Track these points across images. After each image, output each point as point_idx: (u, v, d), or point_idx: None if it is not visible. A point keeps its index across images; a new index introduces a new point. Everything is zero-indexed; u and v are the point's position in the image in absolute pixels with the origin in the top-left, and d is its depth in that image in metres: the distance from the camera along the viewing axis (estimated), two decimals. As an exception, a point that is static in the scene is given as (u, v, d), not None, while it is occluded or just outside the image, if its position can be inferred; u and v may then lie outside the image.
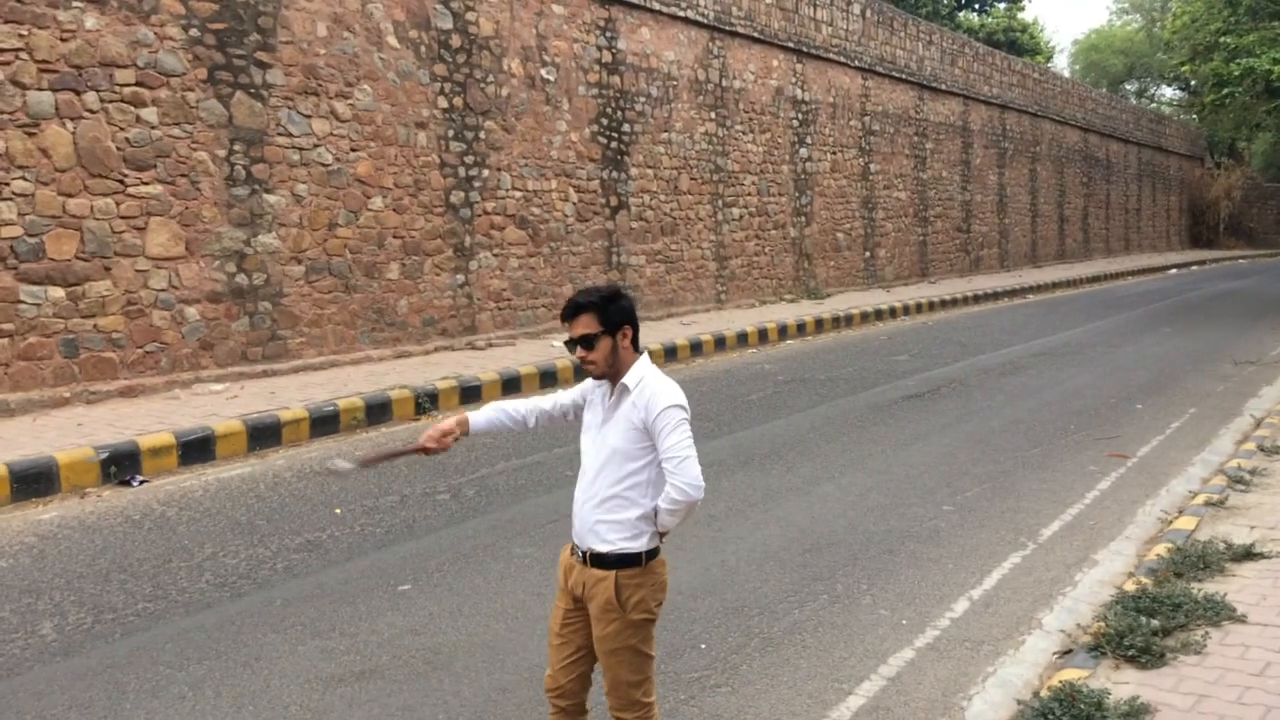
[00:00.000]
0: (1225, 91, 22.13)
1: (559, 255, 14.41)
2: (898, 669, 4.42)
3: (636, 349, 3.24)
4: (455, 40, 12.69)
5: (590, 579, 3.15)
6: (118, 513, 6.66)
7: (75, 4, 8.98)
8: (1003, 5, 44.29)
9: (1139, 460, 7.99)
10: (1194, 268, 36.40)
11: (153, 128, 9.56)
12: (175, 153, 9.74)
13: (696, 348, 13.80)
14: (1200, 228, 50.50)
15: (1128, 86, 61.28)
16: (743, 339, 14.78)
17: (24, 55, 8.67)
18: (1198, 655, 4.24)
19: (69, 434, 7.86)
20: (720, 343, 14.30)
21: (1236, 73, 20.86)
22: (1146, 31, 58.19)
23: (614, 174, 15.44)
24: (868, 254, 23.04)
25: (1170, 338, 15.59)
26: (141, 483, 7.37)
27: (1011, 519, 6.50)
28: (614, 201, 15.45)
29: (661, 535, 3.23)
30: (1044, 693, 4.00)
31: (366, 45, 11.59)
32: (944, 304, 20.72)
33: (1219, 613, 4.58)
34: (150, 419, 8.42)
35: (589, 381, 3.35)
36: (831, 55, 21.26)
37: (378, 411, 9.34)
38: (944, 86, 26.34)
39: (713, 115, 17.75)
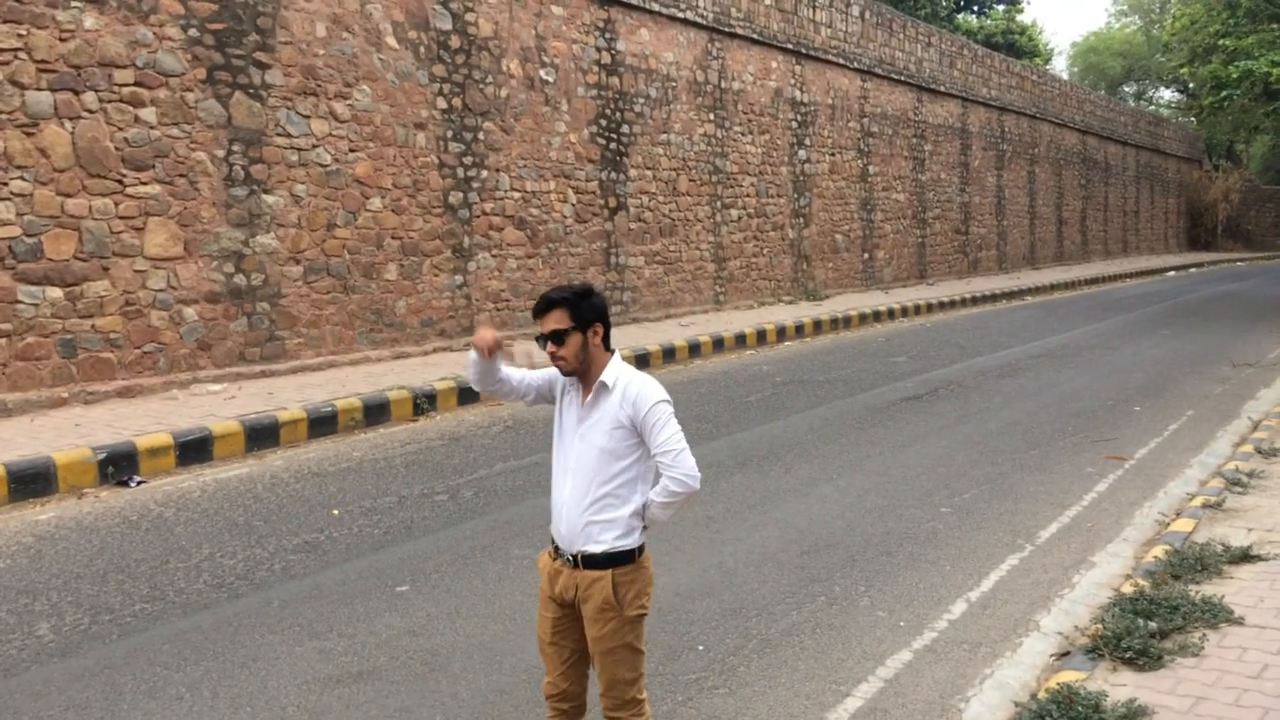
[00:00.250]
0: (1224, 94, 22.15)
1: (557, 256, 14.41)
2: (895, 671, 4.42)
3: (607, 347, 3.23)
4: (454, 41, 12.69)
5: (584, 581, 3.13)
6: (115, 513, 6.65)
7: (74, 4, 8.98)
8: (1001, 7, 44.33)
9: (1137, 462, 7.99)
10: (1192, 270, 36.44)
11: (151, 128, 9.55)
12: (174, 153, 9.74)
13: (695, 349, 13.80)
14: (1198, 230, 50.54)
15: (1126, 89, 61.36)
16: (741, 340, 14.78)
17: (23, 55, 8.67)
18: (1195, 657, 4.24)
19: (67, 434, 7.85)
20: (719, 344, 14.30)
21: (1235, 75, 20.88)
22: (1145, 34, 58.26)
23: (613, 175, 15.44)
24: (866, 255, 23.05)
25: (1168, 340, 15.60)
26: (139, 483, 7.37)
27: (1009, 521, 6.50)
28: (613, 203, 15.46)
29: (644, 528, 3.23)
30: (1041, 695, 4.00)
31: (365, 46, 11.59)
32: (942, 306, 20.73)
33: (1217, 615, 4.58)
34: (148, 419, 8.42)
35: (556, 373, 3.33)
36: (830, 57, 21.28)
37: (376, 412, 9.34)
38: (943, 88, 26.35)
39: (711, 116, 17.75)
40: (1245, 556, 5.36)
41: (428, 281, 12.44)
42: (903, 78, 24.33)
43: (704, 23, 17.37)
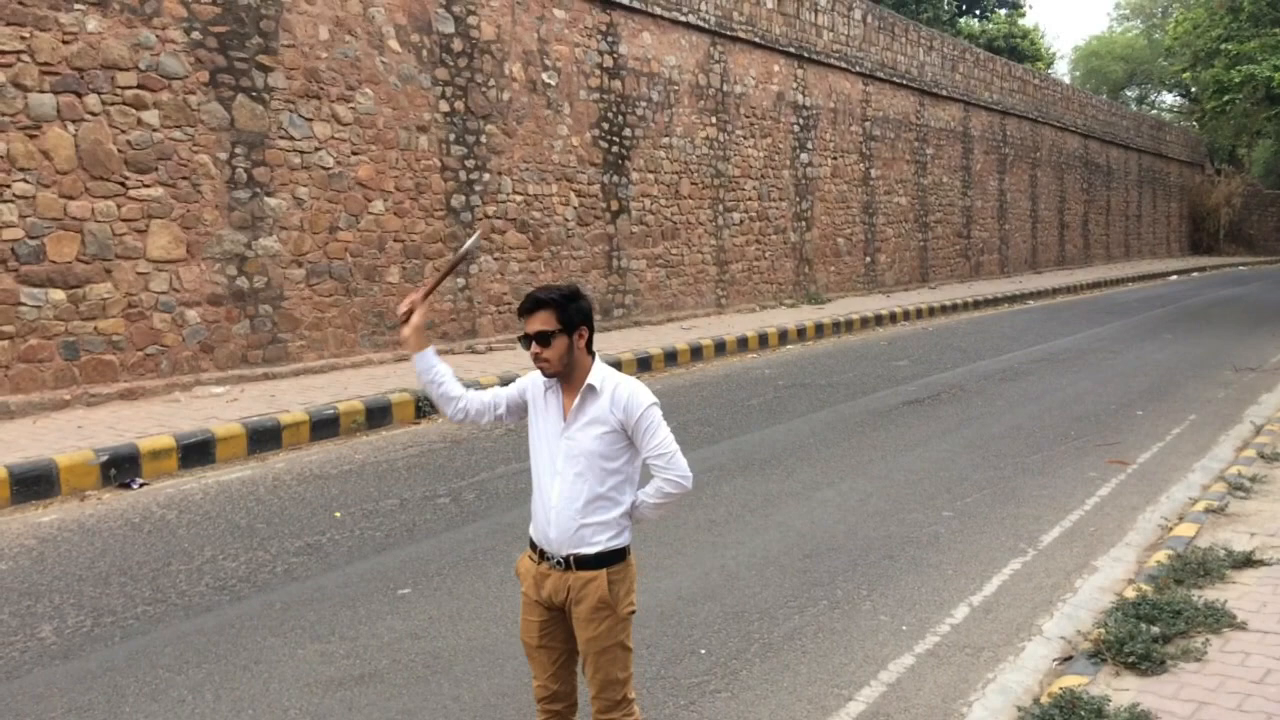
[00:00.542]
0: (1226, 98, 22.17)
1: (559, 259, 14.41)
2: (898, 675, 4.41)
3: (590, 352, 3.21)
4: (457, 44, 12.70)
5: (577, 582, 3.12)
6: (117, 515, 6.65)
7: (77, 6, 8.99)
8: (1003, 11, 44.35)
9: (1139, 467, 7.99)
10: (1194, 274, 36.42)
11: (154, 130, 9.57)
12: (176, 155, 9.75)
13: (697, 352, 13.80)
14: (1200, 234, 50.52)
15: (1128, 93, 61.35)
16: (743, 344, 14.77)
17: (26, 57, 8.68)
18: (1198, 662, 4.24)
19: (69, 436, 7.85)
20: (720, 347, 14.30)
21: (1237, 79, 20.89)
22: (1147, 38, 58.28)
23: (615, 178, 15.45)
24: (868, 259, 23.05)
25: (1170, 344, 15.59)
26: (141, 485, 7.37)
27: (1012, 525, 6.49)
28: (615, 206, 15.46)
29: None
30: (1044, 699, 4.00)
31: (368, 49, 11.60)
32: (944, 309, 20.73)
33: (1219, 620, 4.57)
34: (150, 421, 8.42)
35: (529, 379, 3.31)
36: (833, 60, 21.29)
37: (378, 415, 9.34)
38: (945, 92, 26.37)
39: (714, 120, 17.76)
40: (1248, 561, 5.35)
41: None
42: (905, 81, 24.34)
43: (706, 26, 17.39)
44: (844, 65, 21.74)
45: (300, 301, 10.93)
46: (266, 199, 10.54)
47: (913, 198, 24.98)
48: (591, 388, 3.15)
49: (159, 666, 4.42)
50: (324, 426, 8.88)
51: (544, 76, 14.05)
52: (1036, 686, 4.32)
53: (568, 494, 3.13)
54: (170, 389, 9.63)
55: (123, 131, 9.34)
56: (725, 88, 18.05)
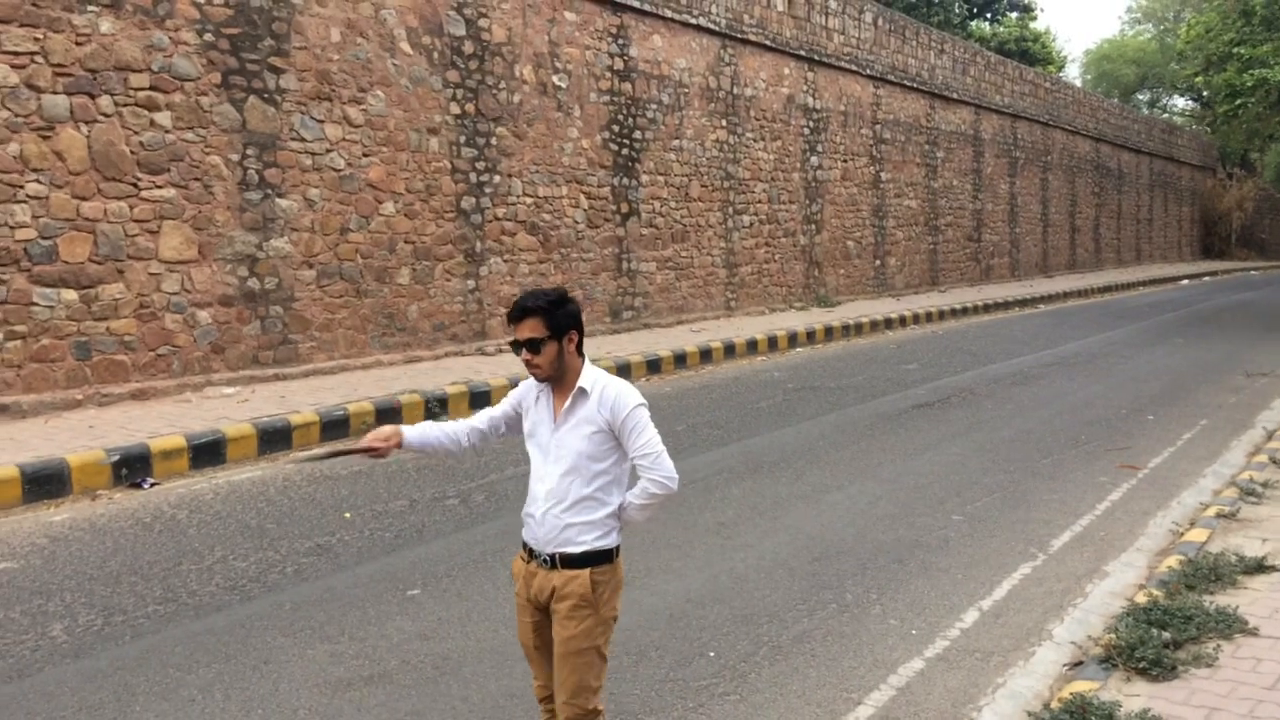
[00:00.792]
0: (1238, 102, 22.10)
1: (569, 261, 14.43)
2: (907, 679, 4.40)
3: (581, 354, 3.23)
4: (468, 47, 12.73)
5: (560, 580, 3.14)
6: (128, 515, 6.68)
7: (91, 8, 9.03)
8: (1015, 15, 44.24)
9: (1150, 471, 7.96)
10: (1206, 279, 36.29)
11: (166, 132, 9.60)
12: (189, 157, 9.79)
13: (706, 355, 13.80)
14: (1212, 239, 50.34)
15: (1140, 97, 61.17)
16: (752, 346, 14.77)
17: (39, 59, 8.72)
18: (1209, 668, 4.22)
19: (81, 436, 7.89)
20: (730, 350, 14.29)
21: (1250, 83, 20.82)
22: (1159, 42, 58.08)
23: (625, 181, 15.46)
24: (878, 262, 23.02)
25: (1182, 349, 15.53)
26: (152, 485, 7.40)
27: (1022, 529, 6.48)
28: (624, 208, 15.47)
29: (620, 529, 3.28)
30: (1054, 704, 3.98)
31: (379, 51, 11.63)
32: (954, 313, 20.69)
33: (1231, 625, 4.55)
34: (161, 422, 8.45)
35: (524, 387, 3.36)
36: (843, 63, 21.27)
37: (388, 416, 9.35)
38: (955, 95, 26.33)
39: (724, 123, 17.76)
40: (1260, 567, 5.33)
41: (440, 286, 12.47)
42: (915, 84, 24.31)
43: (716, 29, 17.39)
44: (854, 68, 21.72)
45: (311, 303, 10.96)
46: (278, 200, 10.58)
47: (923, 201, 24.94)
48: (582, 390, 3.18)
49: (169, 666, 4.44)
50: (334, 427, 8.90)
51: (554, 79, 14.07)
52: (1047, 691, 4.30)
53: (555, 493, 3.17)
54: (181, 389, 9.66)
55: (135, 133, 9.38)
56: (735, 90, 18.05)
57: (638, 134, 15.71)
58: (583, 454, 3.16)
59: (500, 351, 12.89)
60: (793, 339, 15.72)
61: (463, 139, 12.70)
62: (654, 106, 16.06)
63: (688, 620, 4.94)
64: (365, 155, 11.49)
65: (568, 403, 3.19)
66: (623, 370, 12.16)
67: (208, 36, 9.92)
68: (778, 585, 5.43)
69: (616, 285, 15.35)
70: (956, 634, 4.87)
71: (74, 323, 8.98)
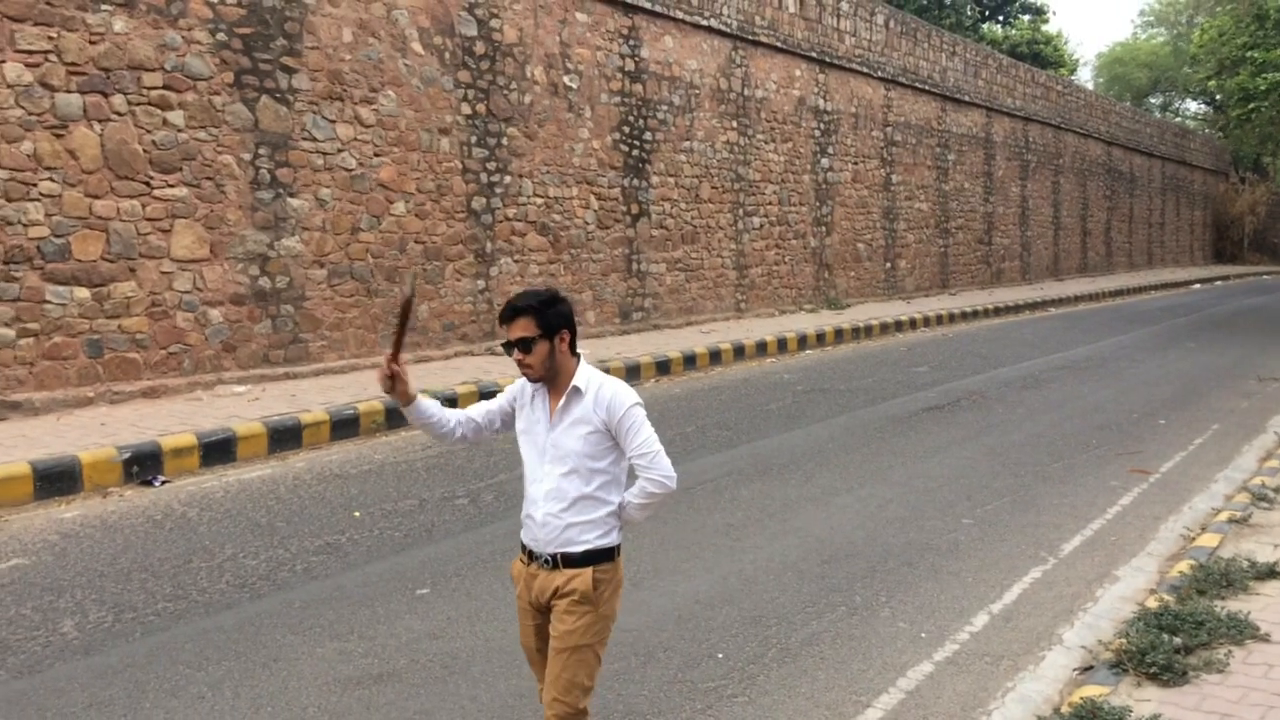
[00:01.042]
0: (1251, 106, 22.02)
1: (579, 262, 14.44)
2: (916, 683, 4.39)
3: (574, 353, 3.23)
4: (479, 47, 12.75)
5: (562, 579, 3.15)
6: (139, 512, 6.70)
7: (104, 7, 9.07)
8: (1027, 17, 44.15)
9: (1161, 476, 7.93)
10: (1217, 283, 36.14)
11: (179, 131, 9.64)
12: (201, 156, 9.82)
13: (715, 356, 13.79)
14: (1224, 243, 50.15)
15: (1152, 100, 60.97)
16: (762, 348, 14.75)
17: (53, 57, 8.76)
18: (1220, 674, 4.20)
19: (92, 433, 7.91)
20: (739, 352, 14.28)
21: (1263, 87, 20.74)
22: (1172, 45, 57.90)
23: (635, 182, 15.46)
24: (888, 265, 22.98)
25: (1193, 353, 15.47)
26: (163, 483, 7.42)
27: (1032, 533, 6.46)
28: (635, 209, 15.47)
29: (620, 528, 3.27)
30: (1064, 709, 3.97)
31: (391, 51, 11.65)
32: (965, 316, 20.64)
33: (1242, 631, 4.54)
34: (172, 420, 8.47)
35: (520, 384, 3.34)
36: (854, 66, 21.24)
37: (397, 416, 9.35)
38: (967, 98, 26.27)
39: (734, 124, 17.76)
40: (1271, 573, 5.30)
41: (450, 286, 12.49)
42: (927, 87, 24.26)
43: (728, 31, 17.38)
44: (866, 70, 21.69)
45: (321, 302, 10.98)
46: (289, 200, 10.60)
47: (934, 203, 24.89)
48: (577, 389, 3.18)
49: (179, 663, 4.45)
50: (344, 426, 8.92)
51: (565, 80, 14.08)
52: (1057, 696, 4.29)
53: (554, 494, 3.17)
54: (192, 387, 9.69)
55: (148, 131, 9.41)
56: (746, 92, 18.04)
57: (648, 135, 15.71)
58: (581, 454, 3.16)
59: (510, 352, 12.89)
60: (802, 341, 15.70)
61: (474, 139, 12.71)
62: (665, 108, 16.06)
63: (696, 622, 4.94)
64: (376, 155, 11.52)
65: (562, 402, 3.19)
66: (632, 371, 12.16)
67: (220, 36, 9.95)
68: (786, 587, 5.43)
69: (626, 286, 15.35)
70: (966, 638, 4.86)
71: (86, 320, 9.02)
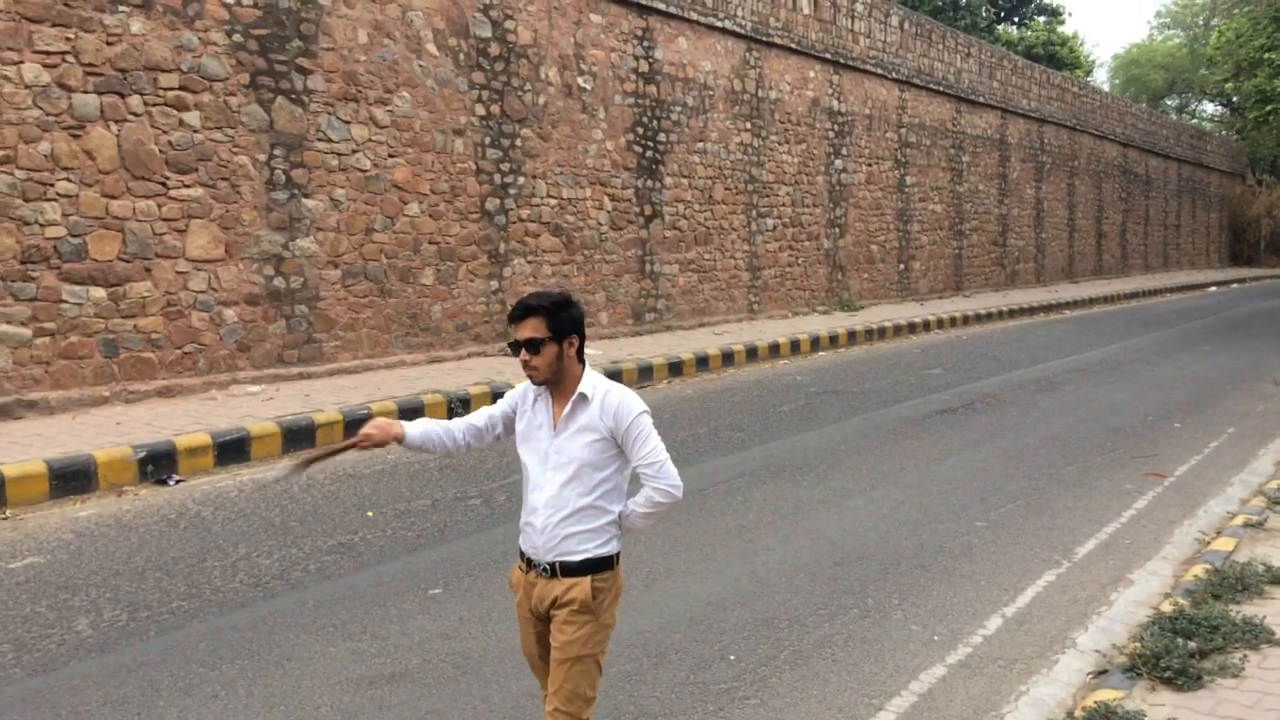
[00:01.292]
0: (1269, 108, 21.91)
1: (592, 263, 14.45)
2: (929, 686, 4.38)
3: (581, 360, 3.17)
4: (494, 48, 12.77)
5: (561, 588, 3.10)
6: (154, 511, 6.73)
7: (121, 8, 9.12)
8: (1042, 19, 44.00)
9: (1176, 480, 7.89)
10: (1234, 285, 35.94)
11: (195, 131, 9.68)
12: (216, 156, 9.86)
13: (728, 358, 13.78)
14: (1241, 245, 49.86)
15: (1168, 102, 60.68)
16: (775, 350, 14.74)
17: (70, 58, 8.81)
18: (1235, 678, 4.18)
19: (108, 433, 7.96)
20: (752, 353, 14.27)
21: (1280, 89, 20.61)
22: (1188, 47, 57.62)
23: (649, 183, 15.47)
24: (902, 266, 22.93)
25: (1209, 356, 15.38)
26: (178, 482, 7.46)
27: (1046, 536, 6.43)
28: (648, 210, 15.48)
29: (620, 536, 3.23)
30: (1078, 713, 3.96)
31: (406, 53, 11.69)
32: (979, 318, 20.57)
33: (1257, 636, 4.51)
34: (187, 419, 8.51)
35: (522, 388, 3.30)
36: (869, 67, 21.20)
37: (410, 415, 9.39)
38: (982, 99, 26.19)
39: (748, 125, 17.74)
40: (1288, 577, 5.27)
41: (463, 286, 12.51)
42: (941, 88, 24.20)
43: (742, 32, 17.37)
44: (880, 71, 21.65)
45: (336, 302, 11.02)
46: (304, 200, 10.64)
47: (948, 205, 24.82)
48: (583, 396, 3.12)
49: (193, 661, 4.47)
50: (357, 426, 8.92)
51: (579, 81, 14.10)
52: (1070, 700, 4.27)
53: (554, 502, 3.11)
54: (207, 387, 9.74)
55: (164, 132, 9.46)
56: (760, 93, 18.03)
57: (662, 136, 15.71)
58: (584, 462, 3.10)
59: (523, 352, 12.91)
60: (815, 343, 15.68)
61: (488, 140, 12.74)
62: (678, 109, 16.06)
63: (708, 623, 4.93)
64: (391, 156, 11.55)
65: (568, 409, 3.13)
66: (645, 372, 12.17)
67: (236, 37, 10.00)
68: (799, 589, 5.42)
69: (639, 287, 15.36)
70: (979, 641, 4.85)
71: (102, 320, 9.07)
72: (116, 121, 9.13)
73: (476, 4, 12.52)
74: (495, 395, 10.19)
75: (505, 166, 12.99)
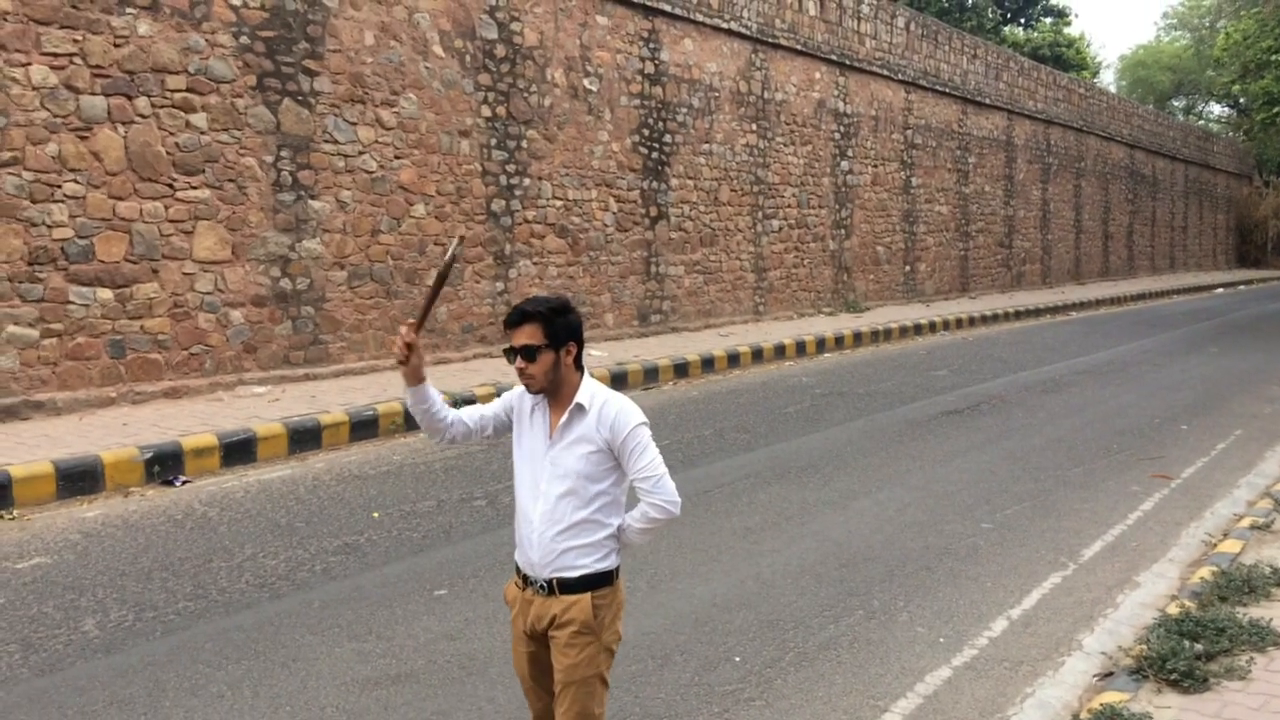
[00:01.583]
0: (1276, 110, 21.85)
1: (598, 265, 14.45)
2: (935, 688, 4.37)
3: (579, 367, 3.06)
4: (500, 50, 12.79)
5: (560, 606, 2.98)
6: (160, 512, 6.75)
7: (129, 10, 9.15)
8: (1049, 20, 43.92)
9: (1183, 481, 7.87)
10: (1241, 287, 35.85)
11: (202, 133, 9.70)
12: (223, 158, 9.89)
13: (734, 359, 13.77)
14: (1248, 247, 49.74)
15: (1175, 103, 60.55)
16: (780, 351, 14.73)
17: (78, 60, 8.84)
18: (1242, 680, 4.17)
19: (114, 433, 7.98)
20: (758, 355, 14.26)
21: (1288, 90, 20.56)
22: (1195, 48, 57.48)
23: (654, 184, 15.47)
24: (908, 268, 22.91)
25: (1216, 358, 15.35)
26: (184, 483, 7.47)
27: (1052, 538, 6.42)
28: (654, 212, 15.48)
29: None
30: (1084, 715, 3.95)
31: (412, 54, 11.70)
32: (985, 320, 20.55)
33: (1264, 638, 4.49)
34: (193, 420, 8.53)
35: (515, 394, 3.18)
36: (875, 68, 21.19)
37: (416, 417, 9.39)
38: (988, 101, 26.16)
39: (754, 127, 17.74)
40: (1294, 580, 5.26)
41: (469, 288, 12.52)
42: (947, 89, 24.17)
43: (748, 33, 17.37)
44: (886, 73, 21.64)
45: (342, 303, 11.04)
46: (310, 202, 10.66)
47: (954, 206, 24.79)
48: (580, 406, 3.01)
49: (199, 662, 4.48)
50: (363, 427, 8.96)
51: (585, 82, 14.11)
52: (1076, 702, 4.26)
53: (551, 515, 2.99)
54: (213, 388, 9.76)
55: (171, 134, 9.48)
56: (766, 95, 18.02)
57: (668, 138, 15.72)
58: (580, 474, 2.99)
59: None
60: (821, 344, 15.67)
61: (493, 142, 12.75)
62: (684, 110, 16.06)
63: (713, 625, 4.93)
64: (397, 157, 11.57)
65: (564, 419, 3.02)
66: (650, 373, 12.17)
67: (243, 39, 10.02)
68: (804, 591, 5.42)
69: (645, 289, 15.36)
70: (985, 643, 4.84)
71: (109, 321, 9.09)
72: (124, 123, 9.16)
73: (482, 6, 12.54)
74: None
75: (511, 168, 13.00)
